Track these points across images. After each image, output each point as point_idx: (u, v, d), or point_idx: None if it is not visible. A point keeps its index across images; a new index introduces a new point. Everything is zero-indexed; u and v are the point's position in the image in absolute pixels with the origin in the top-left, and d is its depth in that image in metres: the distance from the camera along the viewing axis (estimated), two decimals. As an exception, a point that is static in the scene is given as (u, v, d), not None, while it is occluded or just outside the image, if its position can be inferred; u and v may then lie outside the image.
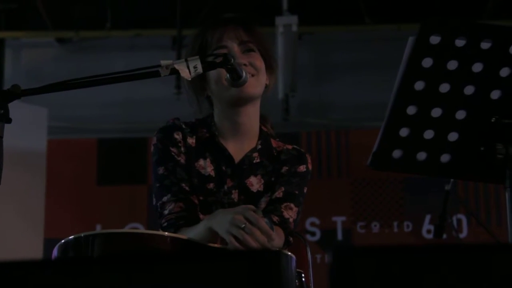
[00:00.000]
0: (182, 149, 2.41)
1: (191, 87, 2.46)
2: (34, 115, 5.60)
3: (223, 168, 2.40)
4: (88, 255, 1.90)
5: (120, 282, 1.12)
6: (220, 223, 2.06)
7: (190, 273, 1.12)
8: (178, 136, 2.42)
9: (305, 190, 2.47)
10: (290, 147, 2.52)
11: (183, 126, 2.45)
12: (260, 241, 2.00)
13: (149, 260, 1.13)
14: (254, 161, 2.43)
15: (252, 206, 2.09)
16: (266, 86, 2.45)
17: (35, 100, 5.35)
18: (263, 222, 2.02)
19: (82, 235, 1.95)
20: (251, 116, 2.44)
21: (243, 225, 2.00)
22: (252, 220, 2.01)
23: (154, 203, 2.39)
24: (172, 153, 2.39)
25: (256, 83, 2.37)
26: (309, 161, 2.51)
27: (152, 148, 2.43)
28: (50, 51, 6.56)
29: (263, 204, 2.39)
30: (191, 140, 2.43)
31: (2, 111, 1.94)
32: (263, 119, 2.51)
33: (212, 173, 2.39)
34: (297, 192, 2.43)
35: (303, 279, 2.22)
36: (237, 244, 2.00)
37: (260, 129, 2.48)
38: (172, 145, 2.40)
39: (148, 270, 1.12)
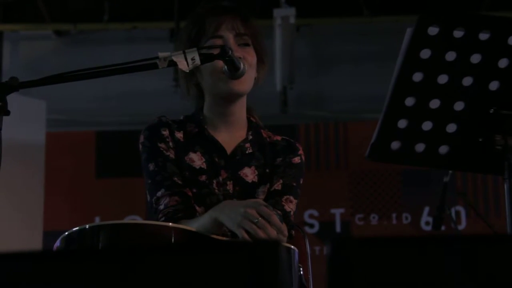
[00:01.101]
0: (171, 144, 2.40)
1: (182, 72, 2.44)
2: (33, 108, 5.60)
3: (216, 159, 2.39)
4: (93, 247, 1.88)
5: (117, 272, 1.12)
6: (230, 216, 2.03)
7: (190, 263, 1.12)
8: (165, 132, 2.41)
9: (301, 181, 2.47)
10: (279, 138, 2.52)
11: (170, 122, 2.44)
12: (272, 237, 1.98)
13: (149, 251, 1.13)
14: (247, 151, 2.43)
15: (262, 201, 2.08)
16: (255, 79, 2.44)
17: (33, 92, 5.36)
18: (276, 218, 2.00)
19: (87, 226, 1.92)
20: (240, 106, 2.44)
21: (256, 220, 1.99)
22: (265, 215, 2.00)
23: (148, 199, 2.38)
24: (161, 149, 2.39)
25: (247, 78, 2.37)
26: (301, 151, 2.50)
27: (140, 147, 2.43)
28: (48, 43, 6.56)
29: (260, 196, 2.39)
30: (179, 135, 2.42)
31: (1, 103, 1.93)
32: (250, 111, 2.51)
33: (204, 166, 2.38)
34: (294, 184, 2.43)
35: (301, 272, 2.22)
36: (248, 238, 1.98)
37: (249, 120, 2.48)
38: (160, 141, 2.40)
39: (148, 262, 1.12)
